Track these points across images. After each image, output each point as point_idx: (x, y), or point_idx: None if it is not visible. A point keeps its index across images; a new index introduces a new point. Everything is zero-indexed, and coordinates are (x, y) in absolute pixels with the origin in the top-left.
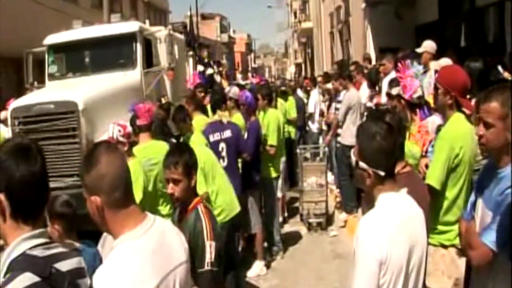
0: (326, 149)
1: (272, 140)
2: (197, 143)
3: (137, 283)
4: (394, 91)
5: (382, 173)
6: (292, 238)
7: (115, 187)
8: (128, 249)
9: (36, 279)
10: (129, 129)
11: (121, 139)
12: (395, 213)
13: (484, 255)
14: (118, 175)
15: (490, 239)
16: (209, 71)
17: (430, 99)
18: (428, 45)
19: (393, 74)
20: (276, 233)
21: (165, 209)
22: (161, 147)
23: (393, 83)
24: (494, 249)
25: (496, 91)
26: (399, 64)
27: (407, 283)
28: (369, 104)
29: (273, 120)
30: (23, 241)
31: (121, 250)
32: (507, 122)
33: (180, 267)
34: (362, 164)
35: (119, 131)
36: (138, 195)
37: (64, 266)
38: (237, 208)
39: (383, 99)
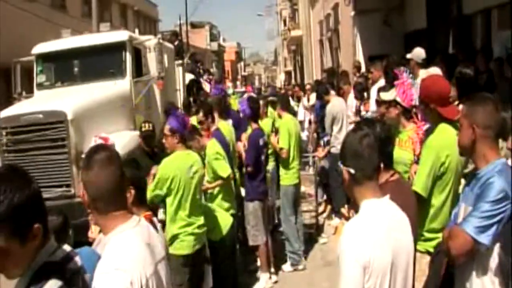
0: (316, 158)
1: (282, 143)
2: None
3: (140, 267)
4: (388, 95)
5: (352, 171)
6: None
7: (98, 196)
8: (126, 238)
9: (59, 283)
10: (111, 141)
11: None
12: (378, 219)
13: (465, 243)
14: (103, 187)
15: (470, 226)
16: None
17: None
18: (416, 53)
19: (381, 82)
20: (295, 240)
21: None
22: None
23: (385, 88)
24: (474, 235)
25: (471, 97)
26: (396, 71)
27: None
28: (352, 118)
29: (283, 124)
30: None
31: (119, 239)
32: (470, 120)
33: (163, 261)
34: (340, 165)
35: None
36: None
37: (73, 264)
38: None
39: (372, 106)
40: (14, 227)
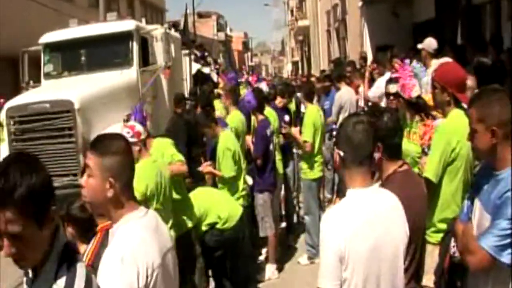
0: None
1: (306, 135)
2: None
3: (147, 258)
4: (392, 88)
5: (342, 154)
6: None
7: (129, 177)
8: (133, 228)
9: (82, 262)
10: (137, 128)
11: (131, 140)
12: (359, 209)
13: (483, 260)
14: (132, 168)
15: (489, 243)
16: (206, 70)
17: (429, 97)
18: (427, 43)
19: (388, 75)
20: (316, 234)
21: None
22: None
23: (391, 81)
24: (494, 254)
25: (477, 96)
26: (395, 64)
27: (375, 282)
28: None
29: (308, 116)
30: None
31: (126, 229)
32: (487, 123)
33: (171, 251)
34: (336, 148)
35: (128, 132)
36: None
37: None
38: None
39: (370, 94)
40: (32, 210)
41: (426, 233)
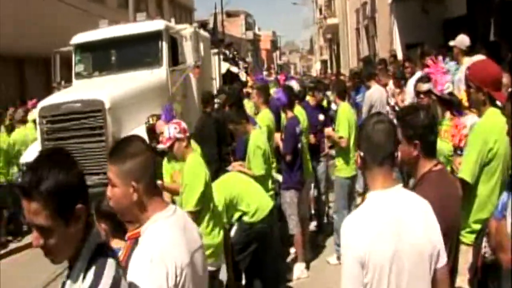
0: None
1: (342, 131)
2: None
3: (176, 257)
4: (424, 87)
5: (362, 154)
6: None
7: (151, 175)
8: (161, 228)
9: (115, 263)
10: (184, 124)
11: (178, 135)
12: (380, 213)
13: None
14: (153, 165)
15: None
16: (234, 69)
17: (463, 96)
18: (459, 40)
19: (419, 74)
20: None
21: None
22: None
23: (423, 79)
24: None
25: None
26: (429, 60)
27: (397, 286)
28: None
29: (342, 113)
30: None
31: (154, 229)
32: None
33: (200, 249)
34: (357, 148)
35: (175, 128)
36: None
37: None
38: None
39: (406, 96)
40: (58, 205)
41: (461, 233)
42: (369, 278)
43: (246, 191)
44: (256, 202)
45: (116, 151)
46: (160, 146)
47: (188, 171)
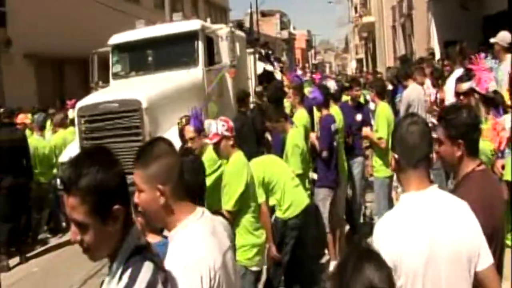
0: None
1: (381, 132)
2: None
3: (208, 261)
4: (464, 86)
5: (396, 156)
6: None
7: (178, 176)
8: (191, 232)
9: (152, 265)
10: (232, 123)
11: (226, 133)
12: (412, 215)
13: None
14: (180, 169)
15: None
16: (269, 68)
17: (505, 94)
18: (500, 37)
19: (458, 72)
20: None
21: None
22: None
23: (463, 79)
24: None
25: None
26: (472, 57)
27: None
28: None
29: (381, 112)
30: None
31: (188, 232)
32: None
33: (230, 250)
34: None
35: (223, 125)
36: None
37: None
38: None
39: (446, 94)
40: (95, 202)
41: (506, 236)
42: (402, 281)
43: (284, 181)
44: (291, 197)
45: (140, 155)
46: (206, 141)
47: (230, 170)
